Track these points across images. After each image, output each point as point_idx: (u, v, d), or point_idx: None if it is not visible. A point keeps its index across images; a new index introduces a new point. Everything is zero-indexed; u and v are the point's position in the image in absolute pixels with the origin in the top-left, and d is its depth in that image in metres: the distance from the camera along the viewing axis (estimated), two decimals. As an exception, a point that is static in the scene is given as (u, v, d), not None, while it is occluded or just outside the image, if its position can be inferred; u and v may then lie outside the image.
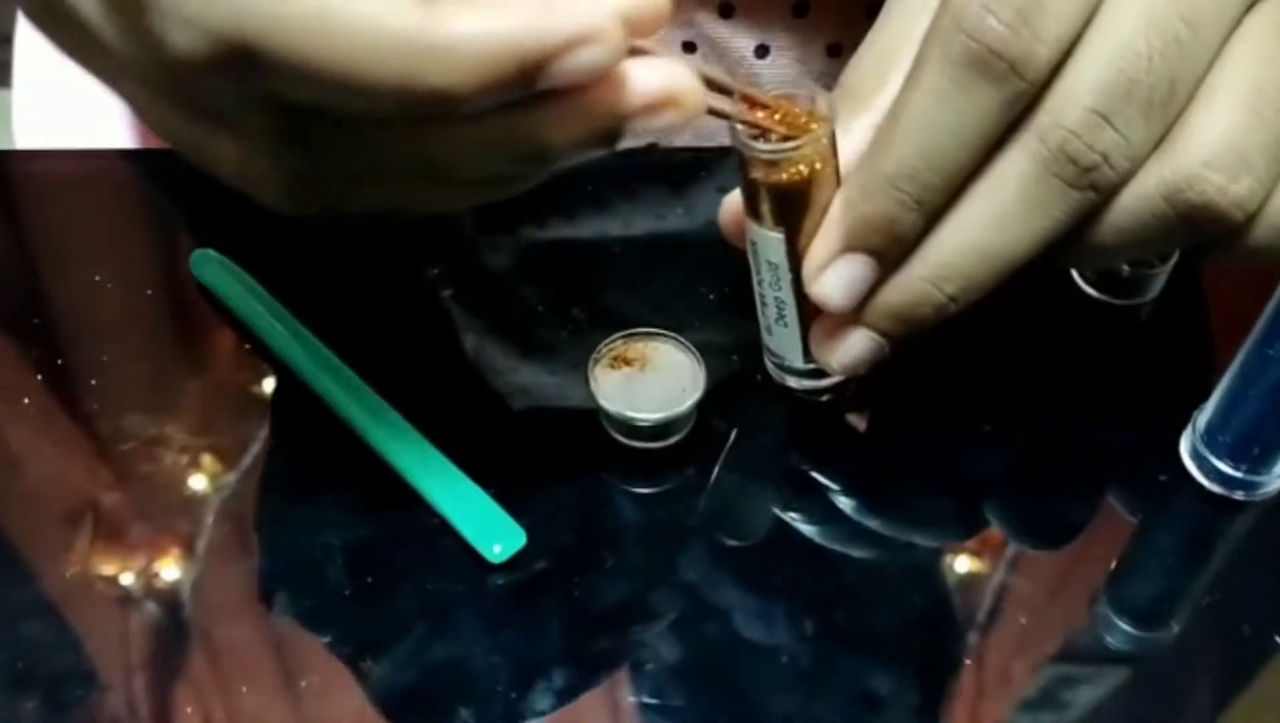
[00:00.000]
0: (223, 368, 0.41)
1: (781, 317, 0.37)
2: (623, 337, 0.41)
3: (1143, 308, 0.44)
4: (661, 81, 0.29)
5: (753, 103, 0.33)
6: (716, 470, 0.38)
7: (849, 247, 0.33)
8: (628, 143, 0.29)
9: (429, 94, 0.26)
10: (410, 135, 0.28)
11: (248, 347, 0.41)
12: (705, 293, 0.44)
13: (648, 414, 0.38)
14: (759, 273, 0.37)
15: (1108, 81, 0.30)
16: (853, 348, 0.35)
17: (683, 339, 0.40)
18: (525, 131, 0.28)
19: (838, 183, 0.34)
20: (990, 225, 0.32)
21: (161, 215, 0.47)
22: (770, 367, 0.40)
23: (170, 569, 0.36)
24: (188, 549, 0.36)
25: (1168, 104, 0.31)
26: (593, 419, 0.39)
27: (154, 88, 0.28)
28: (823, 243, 0.34)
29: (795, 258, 0.35)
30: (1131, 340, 0.43)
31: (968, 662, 0.35)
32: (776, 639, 0.34)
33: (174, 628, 0.35)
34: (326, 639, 0.34)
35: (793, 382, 0.40)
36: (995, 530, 0.38)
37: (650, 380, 0.40)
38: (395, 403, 0.38)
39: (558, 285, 0.44)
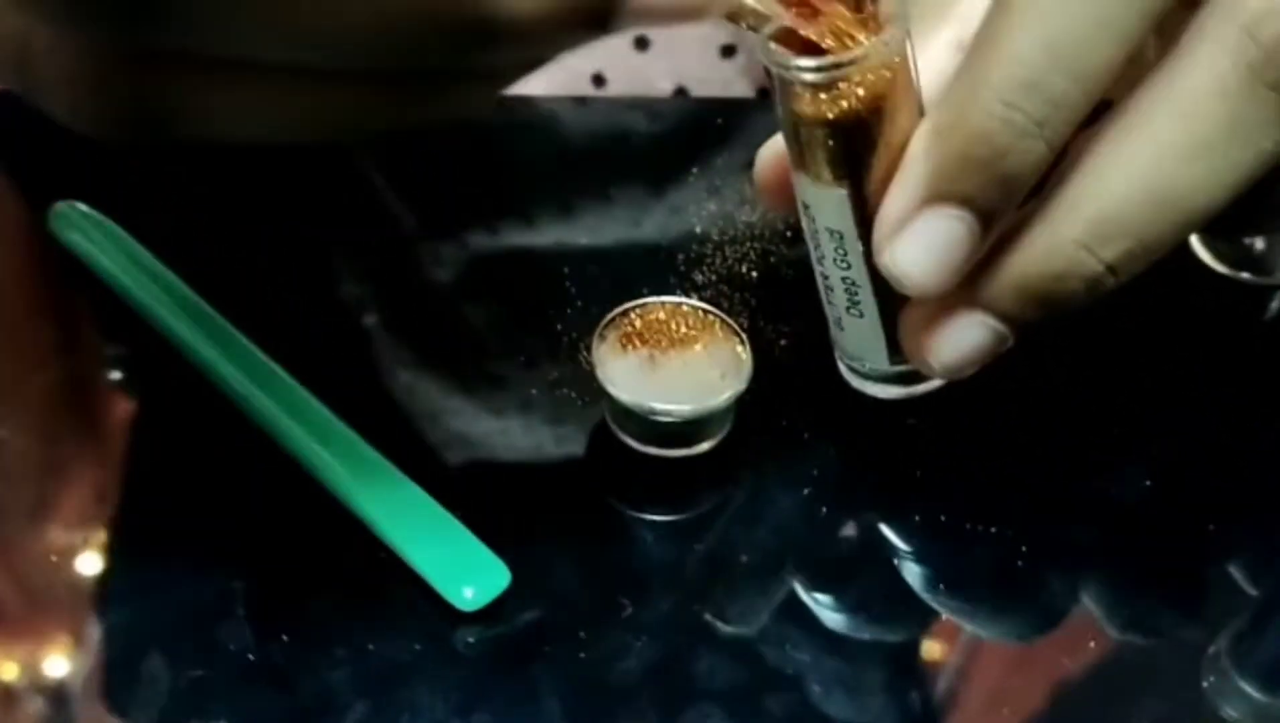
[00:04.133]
0: (87, 352, 0.37)
1: (855, 304, 0.30)
2: (636, 307, 0.33)
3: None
4: None
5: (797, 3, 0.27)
6: (770, 488, 0.33)
7: (934, 196, 0.26)
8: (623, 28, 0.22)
9: None
10: None
11: (124, 324, 0.35)
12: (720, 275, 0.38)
13: (674, 406, 0.30)
14: (818, 247, 0.30)
15: None
16: (962, 340, 0.28)
17: (719, 311, 0.33)
18: None
19: (919, 115, 0.27)
20: (1174, 159, 0.25)
21: (10, 161, 0.43)
22: (845, 372, 0.33)
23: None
24: (28, 605, 0.30)
25: None
26: (596, 418, 0.33)
27: None
28: (898, 195, 0.27)
29: (867, 222, 0.28)
30: (1269, 327, 0.38)
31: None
32: (870, 718, 0.28)
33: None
34: (219, 727, 0.27)
35: (877, 389, 0.33)
36: (1144, 560, 0.32)
37: (674, 364, 0.32)
38: (324, 397, 0.33)
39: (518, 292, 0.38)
